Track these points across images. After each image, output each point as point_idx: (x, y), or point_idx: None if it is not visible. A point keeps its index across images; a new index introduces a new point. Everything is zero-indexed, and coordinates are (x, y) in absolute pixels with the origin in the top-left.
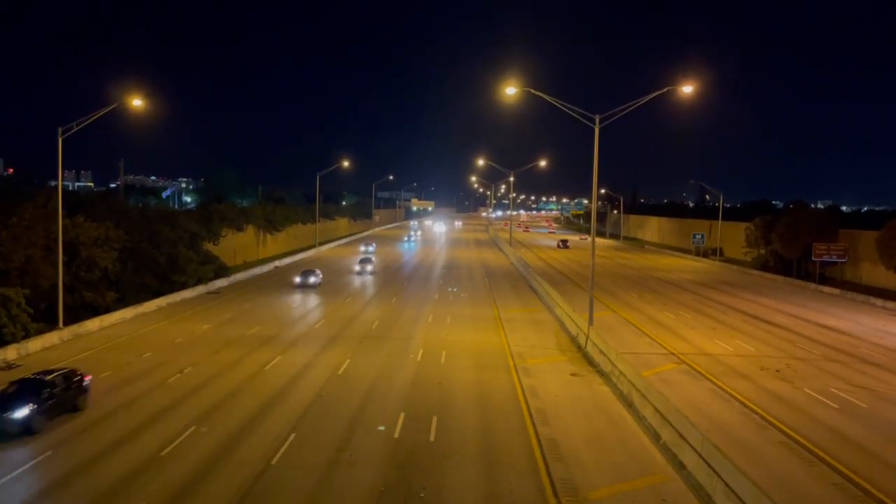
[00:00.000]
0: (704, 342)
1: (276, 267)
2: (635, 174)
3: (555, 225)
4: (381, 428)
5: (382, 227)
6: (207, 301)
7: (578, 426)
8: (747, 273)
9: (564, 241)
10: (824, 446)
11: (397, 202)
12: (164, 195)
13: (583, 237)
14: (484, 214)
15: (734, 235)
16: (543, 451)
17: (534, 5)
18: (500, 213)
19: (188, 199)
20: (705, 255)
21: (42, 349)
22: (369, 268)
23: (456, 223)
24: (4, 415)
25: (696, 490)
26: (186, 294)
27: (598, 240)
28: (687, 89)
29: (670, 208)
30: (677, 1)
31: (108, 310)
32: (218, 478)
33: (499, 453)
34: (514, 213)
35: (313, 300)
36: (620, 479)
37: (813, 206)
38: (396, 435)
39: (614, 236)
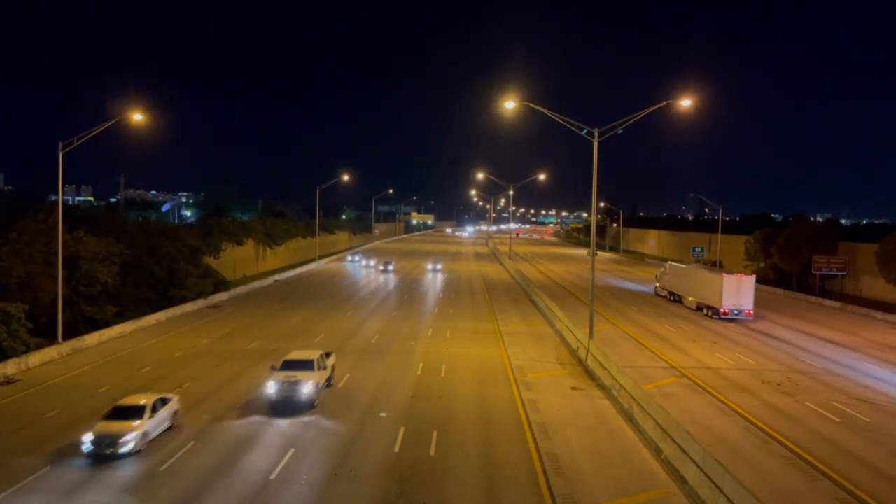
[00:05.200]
0: (705, 355)
1: (276, 281)
2: (635, 187)
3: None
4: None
5: (383, 241)
6: (207, 315)
7: (579, 440)
8: None
9: (517, 234)
10: (826, 460)
11: (397, 216)
12: (164, 209)
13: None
14: (449, 230)
15: (734, 248)
16: (544, 465)
17: (535, 20)
18: (471, 228)
19: (188, 213)
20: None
21: (41, 364)
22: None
23: (432, 268)
24: None
25: None
26: (186, 308)
27: (599, 253)
28: (685, 103)
29: (670, 221)
30: (676, 16)
31: (107, 324)
32: (216, 493)
33: (499, 468)
34: (513, 226)
35: (314, 313)
36: (622, 493)
37: (812, 219)
38: (396, 449)
39: (614, 249)
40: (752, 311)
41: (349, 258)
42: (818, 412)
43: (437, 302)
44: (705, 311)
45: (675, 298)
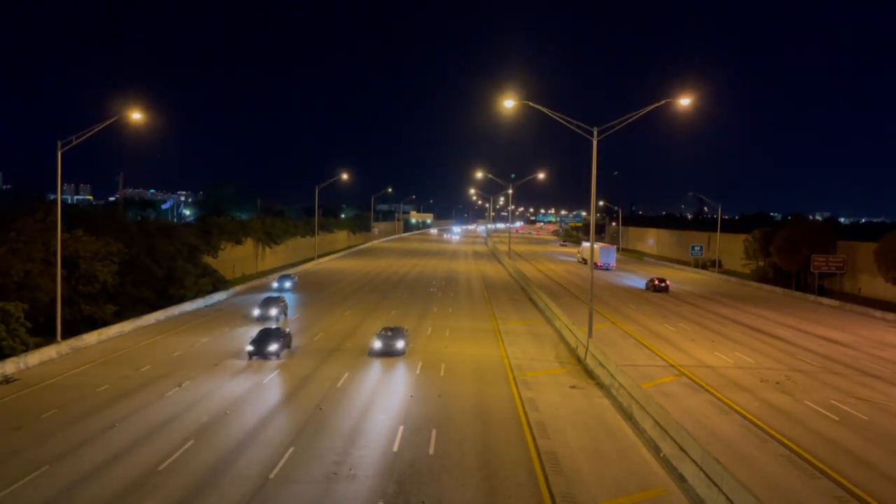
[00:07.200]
0: (704, 354)
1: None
2: (634, 186)
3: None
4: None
5: (382, 240)
6: (206, 314)
7: (578, 439)
8: (746, 285)
9: (517, 231)
10: (825, 459)
11: (396, 215)
12: (163, 208)
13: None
14: (434, 231)
15: (733, 247)
16: (543, 464)
17: (535, 20)
18: (458, 228)
19: (187, 212)
20: (704, 266)
21: (40, 363)
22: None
23: (381, 347)
24: None
25: None
26: (185, 307)
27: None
28: (684, 102)
29: (669, 220)
30: (675, 16)
31: (106, 323)
32: (215, 492)
33: (498, 467)
34: (503, 226)
35: (312, 313)
36: (621, 492)
37: (811, 217)
38: (395, 448)
39: None
40: (615, 265)
41: (275, 284)
42: (817, 411)
43: (437, 301)
44: (594, 265)
45: (584, 262)
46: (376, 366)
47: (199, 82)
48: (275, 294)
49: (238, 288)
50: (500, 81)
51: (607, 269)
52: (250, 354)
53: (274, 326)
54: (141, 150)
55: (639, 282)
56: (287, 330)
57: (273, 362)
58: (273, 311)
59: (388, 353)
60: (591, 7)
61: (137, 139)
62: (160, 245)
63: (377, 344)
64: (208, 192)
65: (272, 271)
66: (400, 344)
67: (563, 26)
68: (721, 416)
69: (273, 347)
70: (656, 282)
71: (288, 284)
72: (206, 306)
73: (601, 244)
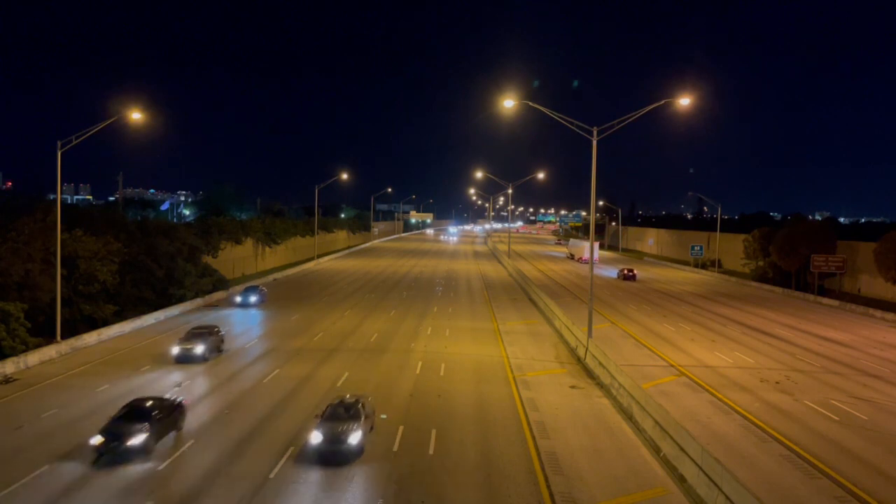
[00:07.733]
0: (704, 354)
1: (275, 280)
2: (634, 186)
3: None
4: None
5: (382, 240)
6: (206, 314)
7: (578, 439)
8: (746, 285)
9: (518, 230)
10: (825, 458)
11: (395, 214)
12: (162, 208)
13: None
14: (430, 232)
15: (732, 247)
16: (543, 464)
17: (536, 20)
18: (454, 229)
19: (187, 211)
20: (704, 266)
21: (40, 363)
22: None
23: None
24: None
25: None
26: (185, 307)
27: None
28: (684, 101)
29: (668, 220)
30: (677, 18)
31: (106, 323)
32: (216, 493)
33: (498, 466)
34: (499, 226)
35: (312, 313)
36: (620, 492)
37: (811, 218)
38: (395, 448)
39: (613, 248)
40: (597, 259)
41: (238, 298)
42: (817, 410)
43: (436, 300)
44: (577, 259)
45: (571, 257)
46: (376, 365)
47: (199, 83)
48: (206, 322)
49: (237, 288)
50: (500, 81)
51: (595, 263)
52: (98, 453)
53: (168, 395)
54: (141, 150)
55: (614, 272)
56: (179, 399)
57: (273, 362)
58: (199, 349)
59: (336, 455)
60: (590, 7)
61: (137, 139)
62: (160, 245)
63: (316, 437)
64: (208, 192)
65: (272, 271)
66: (354, 438)
67: (563, 26)
68: (721, 416)
69: (137, 440)
70: (626, 271)
71: (254, 299)
72: (205, 306)
73: (586, 242)
